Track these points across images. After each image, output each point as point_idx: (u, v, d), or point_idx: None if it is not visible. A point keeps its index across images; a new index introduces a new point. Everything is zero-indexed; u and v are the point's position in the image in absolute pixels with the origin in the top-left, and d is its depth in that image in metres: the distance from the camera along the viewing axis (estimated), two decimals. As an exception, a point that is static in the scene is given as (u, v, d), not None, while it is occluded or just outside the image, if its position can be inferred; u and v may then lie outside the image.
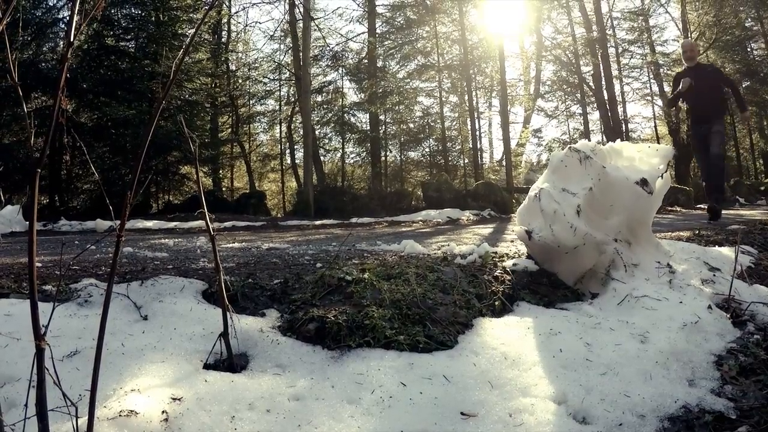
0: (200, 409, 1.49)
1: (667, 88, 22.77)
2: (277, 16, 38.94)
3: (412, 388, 1.70)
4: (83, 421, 1.25)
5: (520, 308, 2.51)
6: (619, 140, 3.32)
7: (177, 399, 1.51)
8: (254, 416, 1.51)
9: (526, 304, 2.56)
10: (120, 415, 1.37)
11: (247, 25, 22.20)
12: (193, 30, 14.99)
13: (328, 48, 18.87)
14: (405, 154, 22.37)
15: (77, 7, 1.24)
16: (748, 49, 22.77)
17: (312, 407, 1.58)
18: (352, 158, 22.34)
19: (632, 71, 24.07)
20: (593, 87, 20.66)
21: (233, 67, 20.74)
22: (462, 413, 1.58)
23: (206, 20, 15.41)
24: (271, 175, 23.83)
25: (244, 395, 1.60)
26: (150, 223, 10.04)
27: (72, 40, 1.24)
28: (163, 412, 1.43)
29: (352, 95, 21.31)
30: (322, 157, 20.27)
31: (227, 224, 10.06)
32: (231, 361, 1.82)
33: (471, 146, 20.51)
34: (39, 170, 1.25)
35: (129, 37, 14.91)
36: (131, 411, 1.39)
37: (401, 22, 20.71)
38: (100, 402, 1.38)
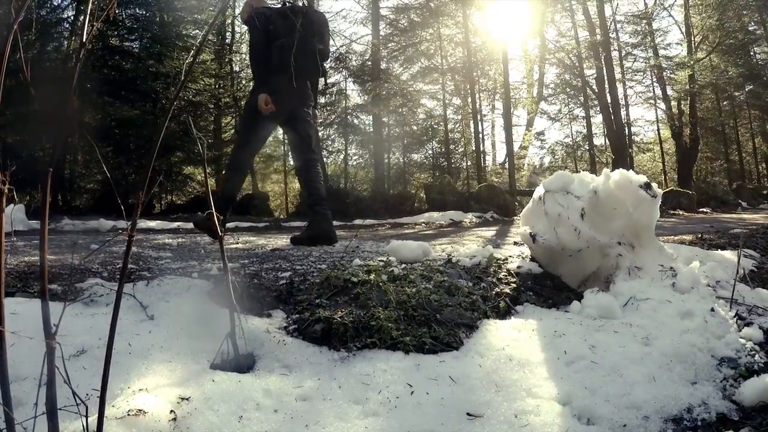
0: (208, 408, 1.50)
1: (671, 92, 22.78)
2: (280, 17, 38.94)
3: (419, 389, 1.71)
4: (92, 419, 1.26)
5: (524, 310, 2.52)
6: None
7: (185, 399, 1.52)
8: (262, 416, 1.52)
9: (531, 306, 2.57)
10: (128, 415, 1.38)
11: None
12: (198, 31, 15.02)
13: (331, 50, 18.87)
14: (408, 156, 22.31)
15: (90, 7, 1.26)
16: (752, 53, 22.72)
17: (319, 407, 1.60)
18: (355, 160, 22.35)
19: (635, 74, 23.97)
20: (596, 90, 20.63)
21: (237, 68, 20.72)
22: (468, 414, 1.59)
23: (213, 23, 15.41)
24: (274, 176, 23.82)
25: (252, 395, 1.61)
26: (153, 223, 10.06)
27: (84, 41, 1.25)
28: (171, 411, 1.44)
29: (355, 97, 21.26)
30: (325, 159, 20.25)
31: (230, 225, 10.05)
32: (238, 361, 1.83)
33: (474, 149, 20.45)
34: (51, 169, 1.26)
35: (133, 37, 14.95)
36: (140, 410, 1.40)
37: (405, 24, 20.66)
38: (108, 401, 1.39)
